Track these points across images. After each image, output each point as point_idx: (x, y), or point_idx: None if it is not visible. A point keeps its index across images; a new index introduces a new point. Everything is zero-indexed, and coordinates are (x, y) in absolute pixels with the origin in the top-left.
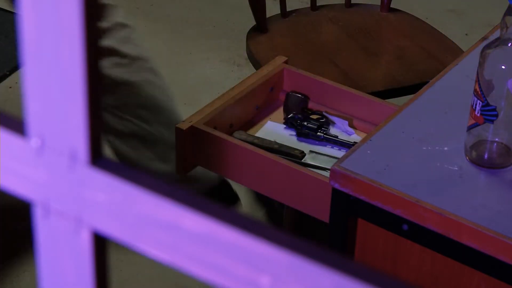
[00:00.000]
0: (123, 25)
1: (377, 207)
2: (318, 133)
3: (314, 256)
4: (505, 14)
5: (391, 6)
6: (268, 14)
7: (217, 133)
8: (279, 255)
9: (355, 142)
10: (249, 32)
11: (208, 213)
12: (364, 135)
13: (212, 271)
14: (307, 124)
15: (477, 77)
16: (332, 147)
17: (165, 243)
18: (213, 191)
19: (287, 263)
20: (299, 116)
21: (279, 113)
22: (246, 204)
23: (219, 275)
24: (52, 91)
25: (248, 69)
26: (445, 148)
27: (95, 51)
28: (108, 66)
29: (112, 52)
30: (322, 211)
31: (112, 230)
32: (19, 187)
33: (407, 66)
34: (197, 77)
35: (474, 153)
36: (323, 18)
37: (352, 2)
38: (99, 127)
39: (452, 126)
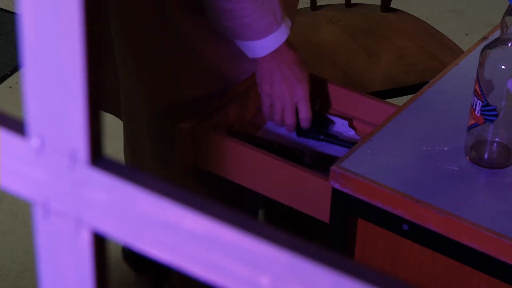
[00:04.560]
0: None
1: (377, 207)
2: (318, 133)
3: (314, 256)
4: (505, 14)
5: (391, 6)
6: None
7: (217, 133)
8: (279, 255)
9: (355, 142)
10: None
11: (208, 213)
12: (364, 135)
13: (212, 271)
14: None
15: (477, 77)
16: (332, 147)
17: (165, 243)
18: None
19: (287, 263)
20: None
21: None
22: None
23: (219, 275)
24: (52, 91)
25: None
26: (445, 148)
27: (95, 51)
28: None
29: None
30: (322, 211)
31: (112, 230)
32: (19, 187)
33: (407, 66)
34: None
35: (474, 153)
36: (323, 18)
37: (352, 2)
38: (99, 127)
39: (452, 126)
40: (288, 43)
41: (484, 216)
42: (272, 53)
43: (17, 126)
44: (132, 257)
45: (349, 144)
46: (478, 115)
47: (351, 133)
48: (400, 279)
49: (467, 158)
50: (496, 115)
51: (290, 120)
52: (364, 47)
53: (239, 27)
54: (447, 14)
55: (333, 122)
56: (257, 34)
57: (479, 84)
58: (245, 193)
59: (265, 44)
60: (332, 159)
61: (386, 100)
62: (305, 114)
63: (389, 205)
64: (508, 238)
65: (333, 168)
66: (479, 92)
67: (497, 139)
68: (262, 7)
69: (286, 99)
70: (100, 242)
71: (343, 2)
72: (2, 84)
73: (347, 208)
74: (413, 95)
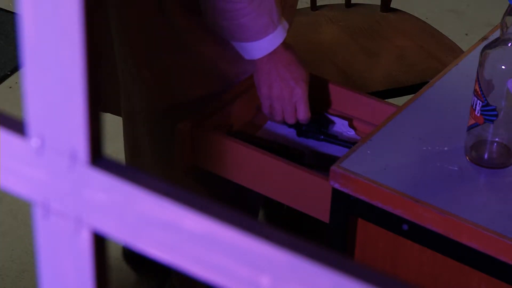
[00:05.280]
0: None
1: (377, 207)
2: (318, 133)
3: (314, 256)
4: (505, 14)
5: (391, 6)
6: None
7: (217, 133)
8: (279, 255)
9: (355, 142)
10: None
11: (208, 213)
12: (364, 135)
13: (212, 271)
14: (307, 124)
15: (477, 77)
16: (332, 147)
17: (165, 243)
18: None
19: (287, 263)
20: None
21: None
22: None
23: (219, 275)
24: (52, 91)
25: None
26: (445, 148)
27: (95, 51)
28: None
29: None
30: (322, 211)
31: (112, 230)
32: (19, 187)
33: (407, 66)
34: None
35: (474, 153)
36: (323, 18)
37: (352, 2)
38: (99, 127)
39: (452, 126)
40: (285, 44)
41: (484, 216)
42: (269, 54)
43: (17, 126)
44: (133, 257)
45: (349, 144)
46: (478, 115)
47: (351, 133)
48: (400, 279)
49: (467, 158)
50: (496, 115)
51: (290, 120)
52: (364, 47)
53: (236, 28)
54: (447, 14)
55: (333, 122)
56: (253, 35)
57: (479, 84)
58: (245, 193)
59: (262, 45)
60: (332, 159)
61: (386, 100)
62: (303, 115)
63: (389, 205)
64: (508, 238)
65: (333, 168)
66: (479, 92)
67: (497, 139)
68: (259, 8)
69: (285, 100)
70: (100, 242)
71: (343, 2)
72: (2, 84)
73: (347, 208)
74: (413, 95)
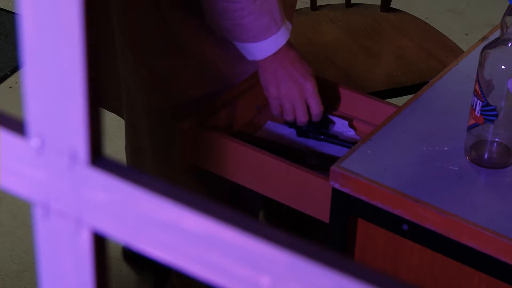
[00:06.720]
0: None
1: (377, 207)
2: (318, 133)
3: (314, 256)
4: (505, 14)
5: (391, 6)
6: None
7: (217, 133)
8: (279, 255)
9: (355, 142)
10: None
11: (208, 213)
12: (364, 135)
13: (212, 271)
14: (307, 124)
15: (477, 77)
16: (332, 147)
17: (165, 243)
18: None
19: (287, 263)
20: None
21: None
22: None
23: (219, 275)
24: (52, 91)
25: None
26: (445, 148)
27: (95, 50)
28: None
29: None
30: (322, 211)
31: (112, 230)
32: (19, 187)
33: (407, 66)
34: None
35: (474, 153)
36: (323, 18)
37: (352, 2)
38: (99, 127)
39: (452, 126)
40: (288, 43)
41: (484, 216)
42: (273, 54)
43: (17, 126)
44: (132, 257)
45: (349, 144)
46: (478, 115)
47: (351, 133)
48: (400, 279)
49: (467, 158)
50: (496, 115)
51: (303, 118)
52: (364, 47)
53: (237, 28)
54: (447, 14)
55: (333, 122)
56: (254, 36)
57: (479, 84)
58: (245, 193)
59: (263, 46)
60: (332, 159)
61: (386, 100)
62: (317, 109)
63: (389, 205)
64: (508, 238)
65: (333, 168)
66: (479, 92)
67: (497, 139)
68: (260, 8)
69: (295, 98)
70: (100, 242)
71: (343, 2)
72: (2, 84)
73: (347, 208)
74: (413, 95)
